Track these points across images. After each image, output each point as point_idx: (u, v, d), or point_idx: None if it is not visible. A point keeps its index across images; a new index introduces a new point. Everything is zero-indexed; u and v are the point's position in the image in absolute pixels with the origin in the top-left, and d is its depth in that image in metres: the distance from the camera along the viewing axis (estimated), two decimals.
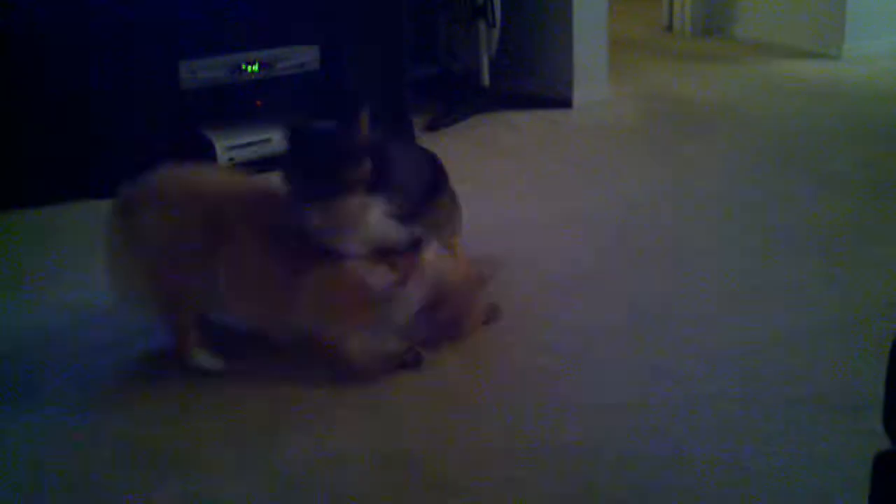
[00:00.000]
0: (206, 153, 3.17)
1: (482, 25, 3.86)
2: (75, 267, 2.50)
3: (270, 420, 1.81)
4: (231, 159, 3.20)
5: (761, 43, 4.82)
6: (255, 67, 3.26)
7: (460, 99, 3.88)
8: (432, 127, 3.69)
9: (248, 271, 1.94)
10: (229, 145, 3.21)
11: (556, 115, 3.79)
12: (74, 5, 2.97)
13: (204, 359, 1.99)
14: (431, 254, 1.98)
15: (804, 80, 4.12)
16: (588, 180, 3.06)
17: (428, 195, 2.16)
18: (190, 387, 1.92)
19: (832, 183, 2.86)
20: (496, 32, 3.89)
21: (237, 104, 3.37)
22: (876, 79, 4.08)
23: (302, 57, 3.33)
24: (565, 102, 3.87)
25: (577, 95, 3.87)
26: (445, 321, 1.99)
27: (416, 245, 1.96)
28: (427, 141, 3.53)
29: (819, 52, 4.53)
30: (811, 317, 2.07)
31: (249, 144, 3.24)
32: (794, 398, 1.77)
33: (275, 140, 3.26)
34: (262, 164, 3.23)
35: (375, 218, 1.92)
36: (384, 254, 1.94)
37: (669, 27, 5.32)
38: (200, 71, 3.16)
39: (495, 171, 3.22)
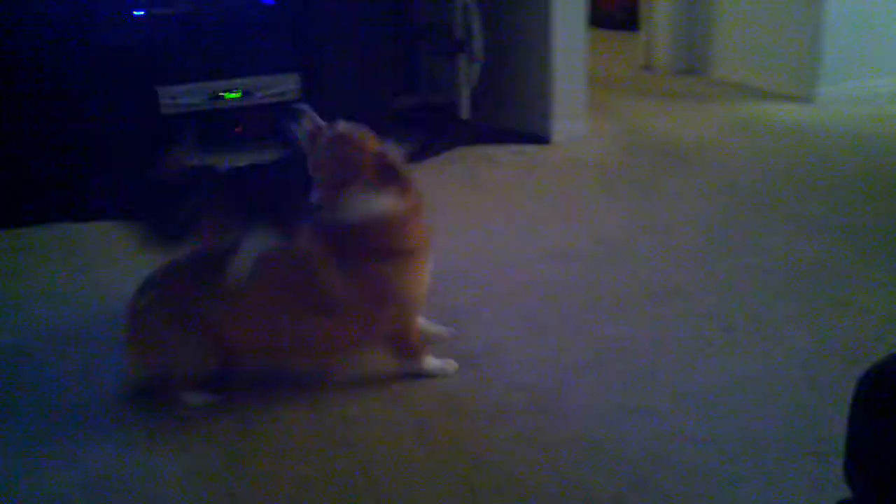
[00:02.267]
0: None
1: (463, 58, 3.90)
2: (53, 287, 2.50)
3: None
4: None
5: (738, 83, 4.89)
6: (236, 94, 3.28)
7: (440, 132, 3.91)
8: (410, 159, 3.70)
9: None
10: None
11: (535, 150, 3.82)
12: (54, 30, 2.98)
13: (193, 395, 1.99)
14: None
15: (779, 122, 4.18)
16: (563, 217, 3.08)
17: None
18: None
19: (805, 225, 2.89)
20: (477, 66, 3.93)
21: (217, 131, 3.38)
22: (848, 123, 4.15)
23: (282, 85, 3.35)
24: (544, 138, 3.91)
25: (556, 132, 3.90)
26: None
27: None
28: None
29: (793, 95, 4.59)
30: (782, 358, 2.09)
31: None
32: (762, 440, 1.78)
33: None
34: None
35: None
36: None
37: (648, 66, 5.39)
38: (180, 97, 3.18)
39: (473, 205, 3.24)
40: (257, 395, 2.01)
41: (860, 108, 4.35)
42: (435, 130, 3.91)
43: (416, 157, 3.72)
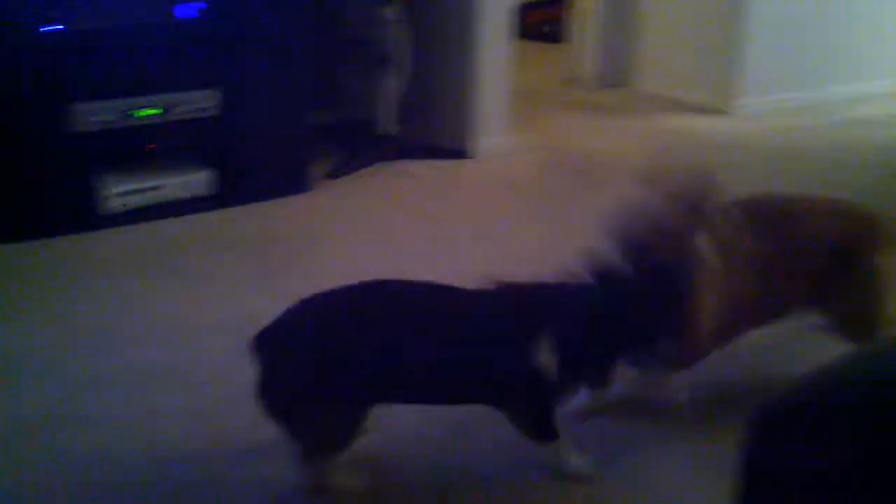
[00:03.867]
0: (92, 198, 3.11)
1: (385, 73, 3.89)
2: None
3: None
4: (123, 205, 3.16)
5: (661, 96, 4.97)
6: (154, 111, 3.22)
7: (361, 147, 3.89)
8: (332, 175, 3.68)
9: None
10: (121, 191, 3.16)
11: (456, 165, 3.83)
12: None
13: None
14: None
15: (698, 135, 4.26)
16: (481, 236, 3.09)
17: None
18: None
19: None
20: (399, 81, 3.93)
21: (131, 149, 3.32)
22: (765, 136, 4.25)
23: (200, 101, 3.30)
24: (466, 153, 3.92)
25: (478, 146, 3.92)
26: None
27: None
28: (326, 189, 3.54)
29: (714, 108, 4.69)
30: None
31: (141, 191, 3.19)
32: None
33: (168, 186, 3.23)
34: (155, 211, 3.19)
35: None
36: None
37: (573, 79, 5.44)
38: (93, 114, 3.11)
39: (389, 222, 3.23)
40: None
41: (778, 121, 4.46)
42: (356, 146, 3.90)
43: (334, 172, 3.70)
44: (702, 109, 4.67)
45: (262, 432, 1.75)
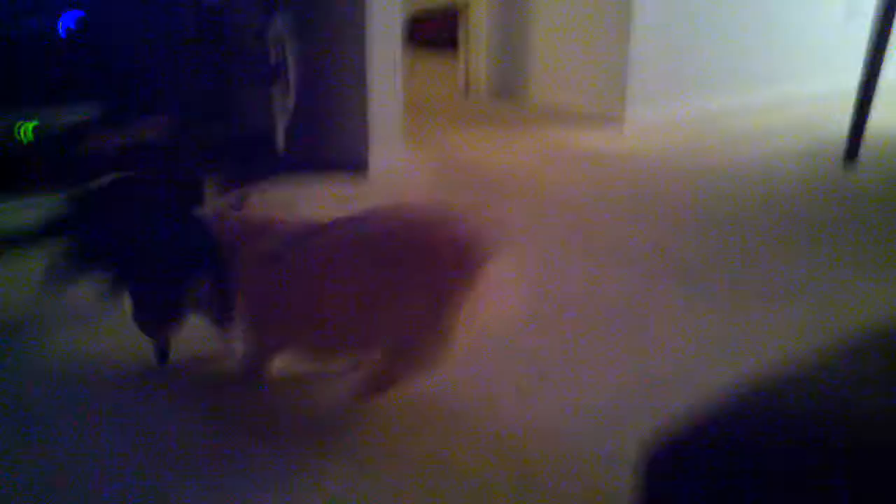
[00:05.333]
0: None
1: (276, 87, 3.80)
2: None
3: None
4: None
5: (553, 107, 5.02)
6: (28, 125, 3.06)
7: (252, 163, 3.79)
8: (224, 193, 3.56)
9: None
10: None
11: (349, 182, 3.76)
12: None
13: None
14: None
15: (590, 147, 4.31)
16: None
17: None
18: None
19: (615, 257, 2.96)
20: (291, 95, 3.84)
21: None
22: (656, 147, 4.33)
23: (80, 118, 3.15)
24: (360, 169, 3.86)
25: (373, 161, 3.86)
26: None
27: None
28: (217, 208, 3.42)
29: (605, 118, 4.76)
30: (583, 403, 2.10)
31: None
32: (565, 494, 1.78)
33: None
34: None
35: None
36: None
37: (467, 89, 5.45)
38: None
39: None
40: None
41: (668, 132, 4.55)
42: (248, 162, 3.79)
43: (227, 189, 3.58)
44: (594, 120, 4.73)
45: None
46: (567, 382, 2.19)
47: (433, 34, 6.48)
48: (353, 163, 3.87)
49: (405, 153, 3.99)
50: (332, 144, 3.99)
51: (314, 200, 3.55)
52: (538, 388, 2.17)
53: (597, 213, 3.41)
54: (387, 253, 1.87)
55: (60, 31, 3.15)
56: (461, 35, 5.48)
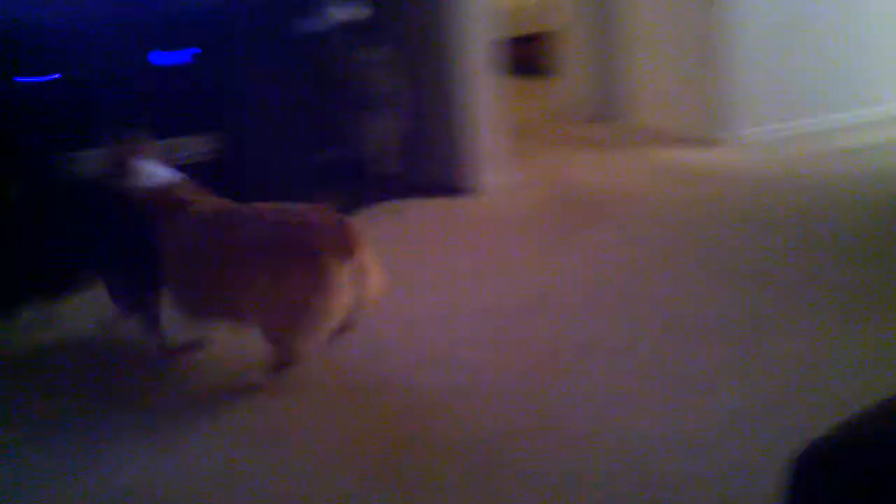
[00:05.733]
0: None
1: (380, 114, 3.90)
2: None
3: None
4: None
5: (653, 129, 4.99)
6: None
7: (363, 187, 3.89)
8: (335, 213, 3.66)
9: None
10: None
11: (458, 202, 3.84)
12: None
13: None
14: None
15: (693, 168, 4.28)
16: (488, 272, 3.08)
17: None
18: None
19: (726, 273, 2.95)
20: (396, 121, 3.93)
21: None
22: (759, 167, 4.27)
23: (198, 146, 3.29)
24: (467, 190, 3.93)
25: (478, 184, 3.93)
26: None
27: None
28: None
29: (706, 139, 4.71)
30: (713, 412, 2.10)
31: None
32: (695, 498, 1.78)
33: None
34: None
35: None
36: None
37: (565, 113, 5.48)
38: (93, 161, 3.09)
39: (400, 261, 3.20)
40: None
41: (770, 152, 4.48)
42: (357, 186, 3.89)
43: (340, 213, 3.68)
44: (694, 141, 4.69)
45: None
46: (690, 394, 2.20)
47: (527, 58, 6.52)
48: (460, 185, 3.94)
49: (509, 175, 4.04)
50: (437, 166, 4.06)
51: (425, 221, 3.64)
52: (672, 394, 2.18)
53: (711, 229, 3.38)
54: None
55: (172, 63, 3.31)
56: (557, 57, 5.52)
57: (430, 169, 4.07)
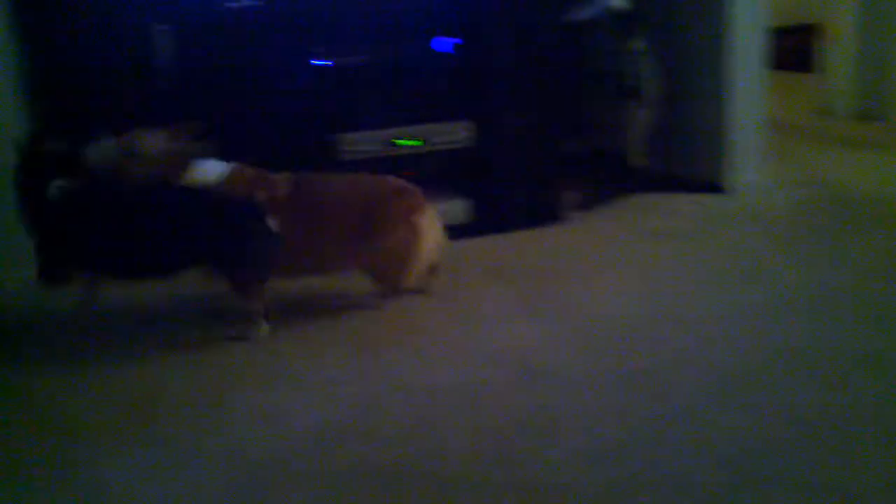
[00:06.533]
0: None
1: (634, 104, 3.85)
2: None
3: None
4: None
5: None
6: (413, 142, 3.34)
7: (609, 179, 3.86)
8: (582, 207, 3.67)
9: None
10: None
11: (708, 200, 3.72)
12: (249, 80, 3.13)
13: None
14: None
15: None
16: (744, 273, 2.96)
17: None
18: None
19: None
20: (649, 112, 3.87)
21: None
22: None
23: (457, 133, 3.38)
24: (717, 187, 3.80)
25: (732, 181, 3.79)
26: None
27: None
28: (576, 220, 3.54)
29: None
30: None
31: None
32: None
33: None
34: None
35: None
36: None
37: (824, 110, 5.18)
38: (361, 144, 3.26)
39: (644, 257, 3.16)
40: None
41: None
42: (606, 178, 3.87)
43: (585, 204, 3.68)
44: None
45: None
46: None
47: (787, 52, 6.21)
48: (711, 181, 3.82)
49: (767, 173, 3.87)
50: (688, 161, 3.96)
51: (677, 217, 3.56)
52: None
53: None
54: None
55: (437, 52, 3.42)
56: (818, 52, 5.23)
57: (683, 164, 3.97)
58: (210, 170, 2.60)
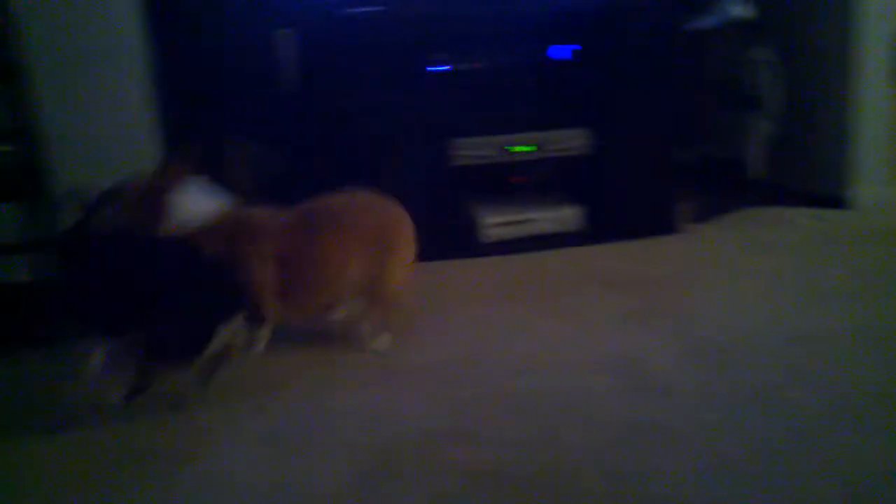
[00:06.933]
0: (472, 227, 3.29)
1: (754, 115, 3.76)
2: None
3: None
4: (499, 235, 3.31)
5: None
6: (527, 148, 3.34)
7: (726, 190, 3.78)
8: (698, 218, 3.60)
9: None
10: (495, 223, 3.30)
11: (830, 214, 3.60)
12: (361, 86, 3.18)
13: None
14: None
15: None
16: (866, 292, 2.84)
17: None
18: None
19: None
20: (769, 123, 3.77)
21: (506, 184, 3.48)
22: None
23: (573, 140, 3.37)
24: (843, 203, 3.68)
25: (854, 196, 3.66)
26: None
27: None
28: (693, 231, 3.47)
29: None
30: None
31: (515, 223, 3.31)
32: None
33: (540, 220, 3.33)
34: (527, 243, 3.30)
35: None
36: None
37: None
38: (474, 149, 3.28)
39: (762, 270, 3.08)
40: None
41: None
42: (724, 189, 3.79)
43: (701, 215, 3.61)
44: None
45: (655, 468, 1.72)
46: None
47: None
48: (836, 196, 3.70)
49: (890, 189, 3.72)
50: (809, 175, 3.84)
51: (797, 232, 3.46)
52: None
53: None
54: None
55: (553, 58, 3.40)
56: None
57: (804, 177, 3.85)
58: (194, 210, 2.28)
